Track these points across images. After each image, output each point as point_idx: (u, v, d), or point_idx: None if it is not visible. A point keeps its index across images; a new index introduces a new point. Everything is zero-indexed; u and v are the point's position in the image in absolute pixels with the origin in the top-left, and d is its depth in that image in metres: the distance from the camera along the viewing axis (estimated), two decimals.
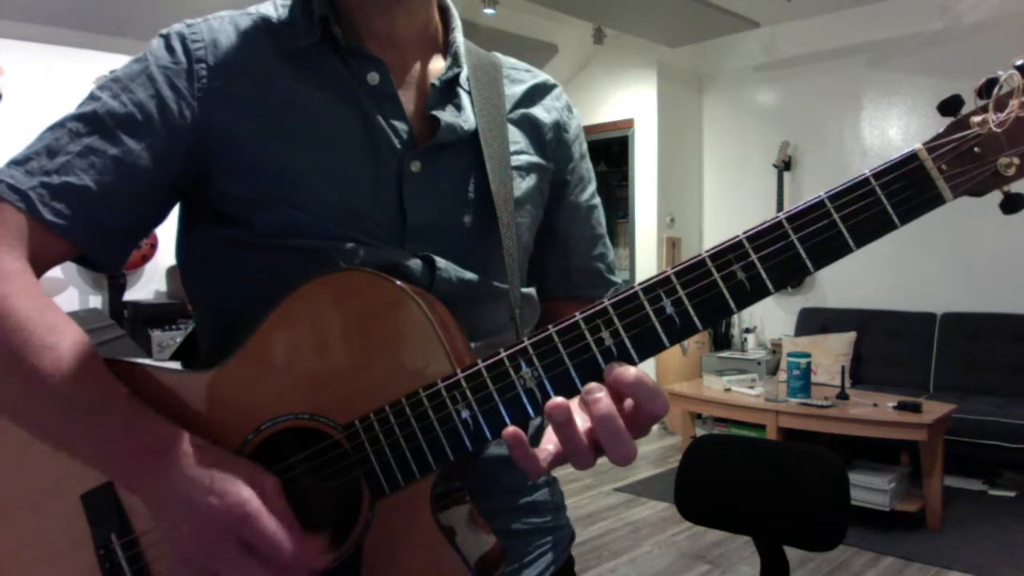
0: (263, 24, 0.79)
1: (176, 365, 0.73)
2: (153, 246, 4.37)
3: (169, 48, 0.76)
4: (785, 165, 5.52)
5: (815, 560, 3.28)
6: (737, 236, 0.61)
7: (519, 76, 0.91)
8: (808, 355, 4.06)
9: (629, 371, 0.60)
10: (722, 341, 5.86)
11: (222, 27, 0.78)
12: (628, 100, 5.93)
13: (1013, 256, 4.62)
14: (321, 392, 0.67)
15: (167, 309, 4.31)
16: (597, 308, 0.62)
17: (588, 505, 4.11)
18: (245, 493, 0.62)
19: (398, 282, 0.66)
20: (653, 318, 0.61)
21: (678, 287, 0.61)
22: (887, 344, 4.93)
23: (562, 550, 0.89)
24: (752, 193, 5.77)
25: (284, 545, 0.62)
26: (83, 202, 0.70)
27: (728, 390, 4.32)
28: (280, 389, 0.67)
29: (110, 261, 0.75)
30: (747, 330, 5.70)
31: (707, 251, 0.61)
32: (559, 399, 0.59)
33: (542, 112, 0.89)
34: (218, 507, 0.61)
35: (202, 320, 0.83)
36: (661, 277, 0.61)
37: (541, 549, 0.86)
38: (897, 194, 0.59)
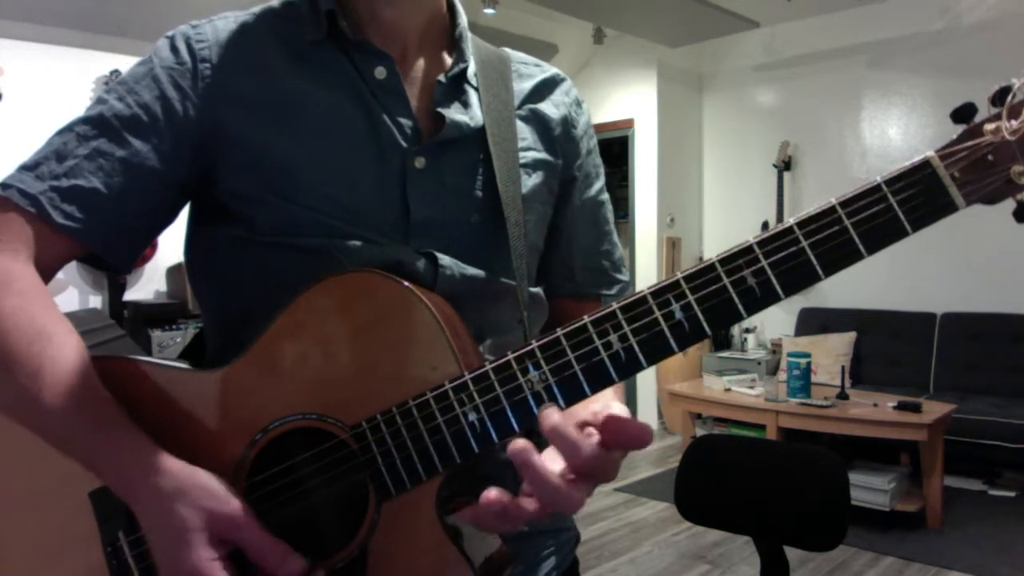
0: (268, 22, 0.79)
1: (184, 364, 0.73)
2: (153, 246, 4.37)
3: (174, 49, 0.76)
4: (785, 165, 5.51)
5: (815, 560, 3.28)
6: (748, 241, 0.60)
7: (527, 71, 0.90)
8: (808, 355, 4.06)
9: (548, 419, 0.58)
10: (722, 341, 5.85)
11: (226, 27, 0.78)
12: (628, 100, 5.93)
13: (1013, 256, 4.62)
14: (329, 393, 0.67)
15: (167, 309, 4.30)
16: (605, 312, 0.62)
17: (588, 505, 4.09)
18: (235, 501, 0.64)
19: (406, 283, 0.66)
20: (662, 323, 0.61)
21: (687, 292, 0.60)
22: (887, 344, 4.93)
23: (567, 552, 0.89)
24: (752, 193, 5.76)
25: (272, 552, 0.63)
26: (93, 204, 0.72)
27: (728, 390, 4.32)
28: (288, 389, 0.67)
29: (121, 261, 0.76)
30: (747, 330, 5.70)
31: (717, 256, 0.61)
32: (493, 493, 0.57)
33: (550, 107, 0.88)
34: (209, 508, 0.63)
35: (208, 319, 0.83)
36: (670, 281, 0.61)
37: (547, 551, 0.86)
38: (909, 201, 0.58)
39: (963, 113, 0.60)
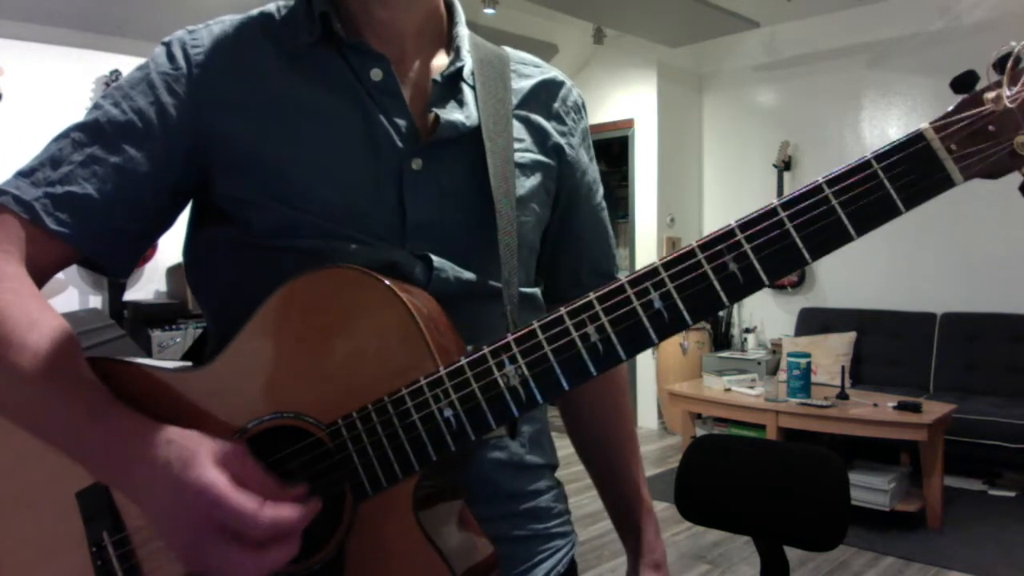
0: (264, 26, 0.79)
1: (168, 364, 0.73)
2: (153, 247, 4.36)
3: (170, 55, 0.77)
4: (785, 165, 5.51)
5: (815, 560, 3.27)
6: (729, 224, 0.58)
7: (527, 71, 0.89)
8: (808, 355, 4.06)
9: None
10: (722, 341, 5.85)
11: (222, 31, 0.78)
12: (628, 100, 5.93)
13: (1013, 256, 4.61)
14: (306, 391, 0.66)
15: (167, 309, 4.30)
16: (582, 302, 0.60)
17: (588, 505, 4.11)
18: (210, 474, 0.59)
19: (386, 280, 0.65)
20: (641, 312, 0.59)
21: (666, 279, 0.58)
22: (887, 344, 4.92)
23: (564, 556, 0.88)
24: (752, 193, 5.76)
25: (256, 518, 0.59)
26: (86, 210, 0.72)
27: (728, 390, 4.31)
28: (267, 387, 0.67)
29: (117, 266, 0.76)
30: (747, 330, 5.70)
31: (697, 241, 0.58)
32: None
33: (549, 110, 0.88)
34: (189, 496, 0.59)
35: (208, 321, 0.83)
36: (648, 269, 0.59)
37: (542, 555, 0.85)
38: (901, 177, 0.55)
39: (964, 82, 0.56)
